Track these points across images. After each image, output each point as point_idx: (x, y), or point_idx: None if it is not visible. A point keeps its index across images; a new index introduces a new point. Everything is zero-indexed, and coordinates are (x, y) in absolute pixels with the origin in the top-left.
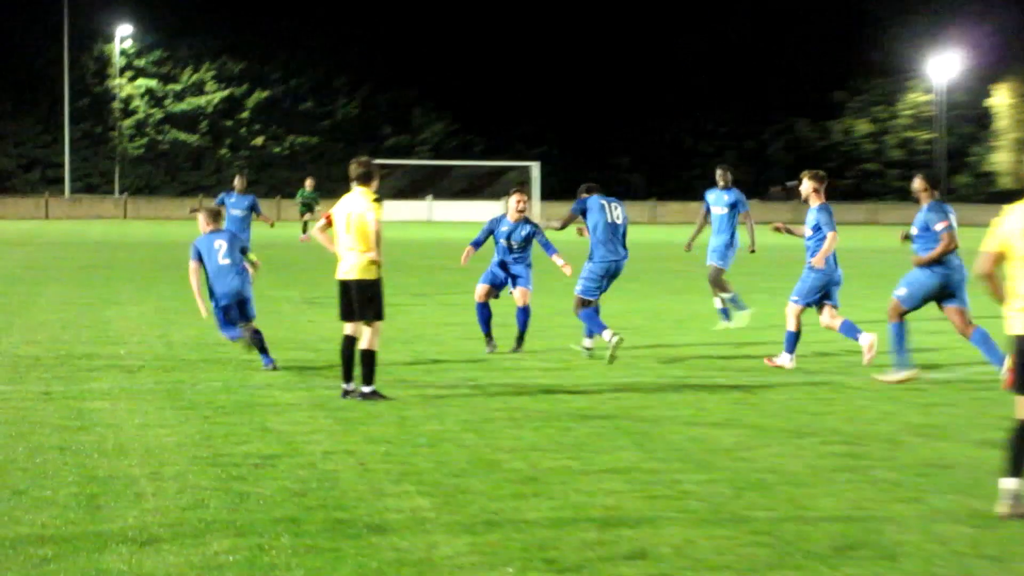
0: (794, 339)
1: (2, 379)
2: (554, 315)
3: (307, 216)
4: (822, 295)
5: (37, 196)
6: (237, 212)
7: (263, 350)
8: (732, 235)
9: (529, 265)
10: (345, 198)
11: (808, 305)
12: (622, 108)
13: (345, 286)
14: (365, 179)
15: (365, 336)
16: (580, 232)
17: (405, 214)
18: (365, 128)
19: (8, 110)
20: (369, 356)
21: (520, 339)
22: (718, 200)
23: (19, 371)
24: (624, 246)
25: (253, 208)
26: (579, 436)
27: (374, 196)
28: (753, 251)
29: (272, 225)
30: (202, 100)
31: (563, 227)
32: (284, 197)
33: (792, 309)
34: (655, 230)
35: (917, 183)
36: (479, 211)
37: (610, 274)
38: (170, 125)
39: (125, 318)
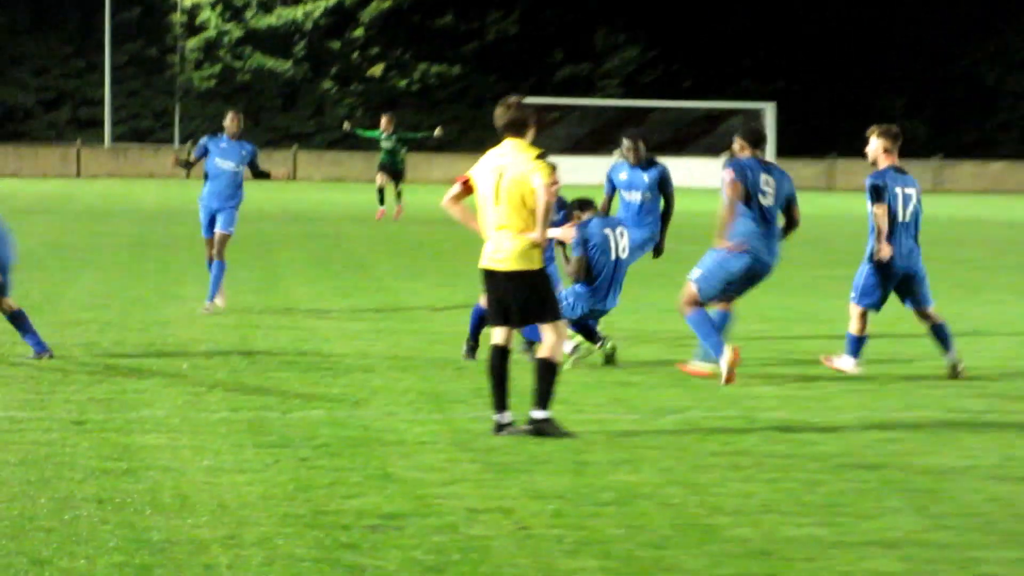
0: (856, 343)
1: (19, 401)
2: (797, 319)
3: (381, 179)
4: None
5: (66, 145)
6: (226, 165)
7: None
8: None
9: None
10: (491, 155)
11: (870, 306)
12: (894, 27)
13: (494, 278)
14: (518, 128)
15: (545, 341)
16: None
17: (582, 175)
18: (527, 54)
19: (26, 24)
20: (548, 369)
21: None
22: (633, 180)
23: (41, 391)
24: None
25: (250, 163)
26: (831, 493)
27: (537, 152)
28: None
29: (291, 178)
30: (298, 12)
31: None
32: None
33: (852, 310)
34: (940, 200)
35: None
36: (687, 171)
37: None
38: (252, 47)
39: (189, 318)
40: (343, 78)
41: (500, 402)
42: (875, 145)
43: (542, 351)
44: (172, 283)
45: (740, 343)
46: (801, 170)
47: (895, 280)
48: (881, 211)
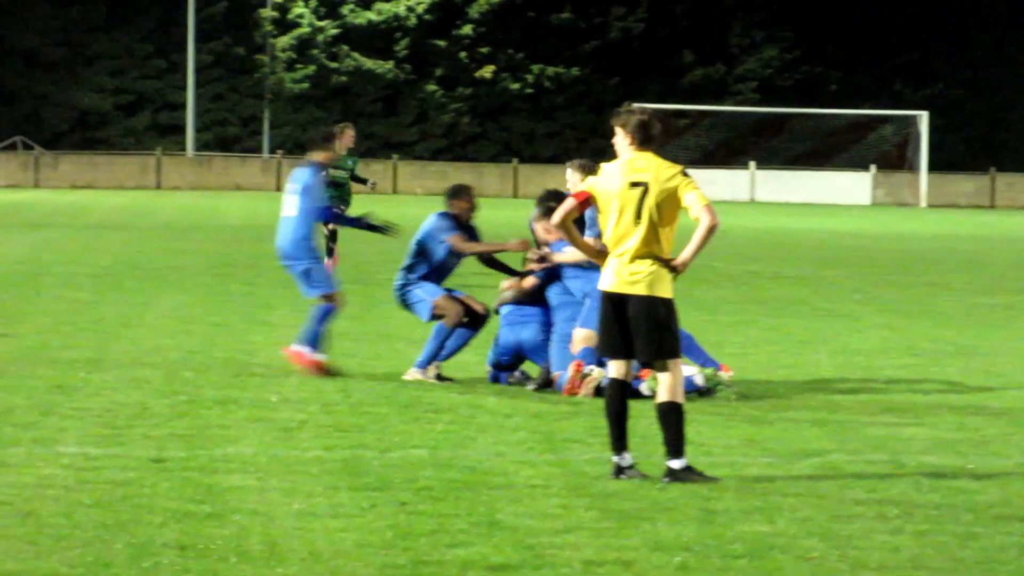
0: None
1: (94, 437)
2: (951, 353)
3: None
4: None
5: (145, 153)
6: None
7: None
8: None
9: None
10: (623, 168)
11: None
12: None
13: (618, 304)
14: (652, 139)
15: (663, 384)
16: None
17: (716, 190)
18: (653, 55)
19: (102, 20)
20: (673, 413)
21: None
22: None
23: (119, 426)
24: None
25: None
26: (988, 548)
27: (680, 167)
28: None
29: (373, 186)
30: (400, 7)
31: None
32: (523, 161)
33: None
34: None
35: None
36: (829, 187)
37: None
38: (349, 46)
39: (279, 346)
40: (449, 81)
41: (619, 443)
42: None
43: (663, 394)
44: (259, 307)
45: (888, 378)
46: (958, 185)
47: None
48: None
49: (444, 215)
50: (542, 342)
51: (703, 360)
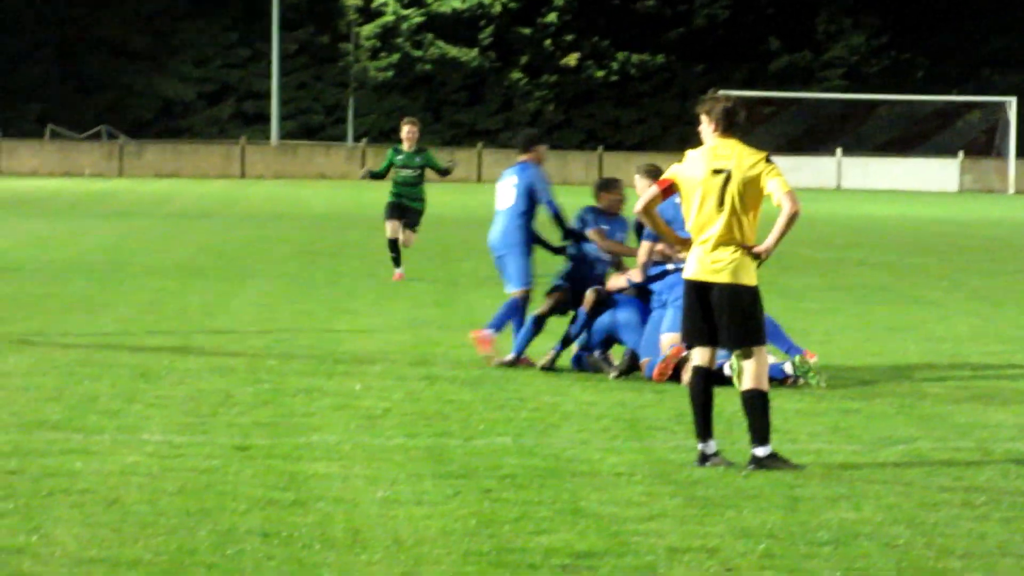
0: None
1: (178, 425)
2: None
3: (394, 227)
4: None
5: (229, 142)
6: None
7: None
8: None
9: None
10: (706, 156)
11: None
12: None
13: (701, 292)
14: (736, 126)
15: (747, 371)
16: None
17: (802, 177)
18: (739, 42)
19: (185, 9)
20: (758, 401)
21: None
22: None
23: (202, 414)
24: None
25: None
26: None
27: (764, 154)
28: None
29: (451, 166)
30: None
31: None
32: (609, 148)
33: None
34: None
35: None
36: (916, 174)
37: None
38: (434, 34)
39: (363, 335)
40: (534, 68)
41: (704, 430)
42: None
43: (747, 381)
44: (344, 295)
45: (975, 364)
46: None
47: None
48: None
49: (590, 209)
50: (636, 324)
51: (787, 347)
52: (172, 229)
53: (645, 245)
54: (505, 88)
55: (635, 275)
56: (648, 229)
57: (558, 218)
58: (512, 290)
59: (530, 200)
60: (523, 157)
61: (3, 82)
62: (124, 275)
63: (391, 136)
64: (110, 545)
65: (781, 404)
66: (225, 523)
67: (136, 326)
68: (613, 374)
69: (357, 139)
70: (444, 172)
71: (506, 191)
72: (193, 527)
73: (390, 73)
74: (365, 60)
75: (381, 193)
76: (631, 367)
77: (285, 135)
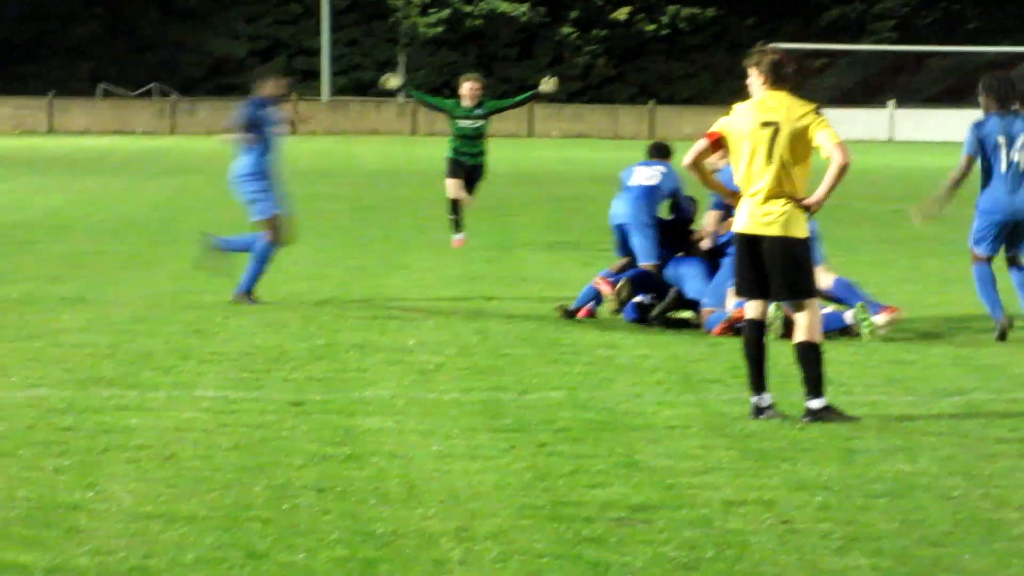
0: None
1: (233, 381)
2: None
3: (456, 187)
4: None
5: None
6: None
7: None
8: None
9: None
10: (754, 108)
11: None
12: None
13: (752, 244)
14: (785, 79)
15: (800, 323)
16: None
17: (854, 129)
18: None
19: None
20: (811, 353)
21: None
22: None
23: (257, 370)
24: None
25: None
26: None
27: (813, 105)
28: None
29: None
30: None
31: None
32: (660, 103)
33: None
34: None
35: None
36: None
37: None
38: None
39: (416, 289)
40: (584, 22)
41: (758, 383)
42: None
43: (800, 334)
44: (396, 251)
45: None
46: None
47: None
48: None
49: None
50: (700, 274)
51: (873, 307)
52: (225, 186)
53: (714, 213)
54: (556, 43)
55: (705, 243)
56: (717, 198)
57: (685, 214)
58: (644, 263)
59: (667, 195)
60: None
61: (55, 41)
62: (177, 232)
63: (442, 91)
64: (166, 500)
65: (836, 356)
66: (280, 478)
67: (189, 283)
68: (656, 311)
69: (408, 95)
70: (535, 97)
71: (649, 175)
72: (248, 482)
73: (440, 29)
74: (415, 16)
75: (435, 148)
76: (673, 306)
77: (336, 91)
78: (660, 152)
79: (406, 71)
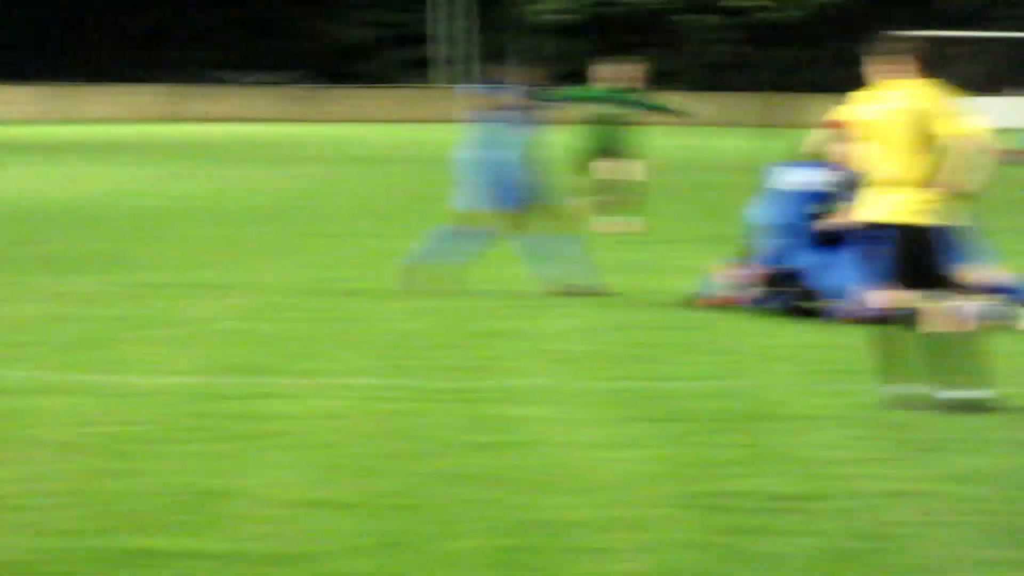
0: None
1: (377, 367)
2: None
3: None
4: None
5: (404, 86)
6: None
7: None
8: None
9: None
10: (881, 95)
11: None
12: None
13: (881, 233)
14: (903, 63)
15: (934, 314)
16: None
17: (986, 117)
18: None
19: None
20: (948, 343)
21: None
22: None
23: (397, 357)
24: None
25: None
26: None
27: (938, 94)
28: None
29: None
30: None
31: None
32: (778, 90)
33: None
34: None
35: None
36: None
37: None
38: None
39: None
40: (704, 6)
41: (901, 373)
42: None
43: (934, 324)
44: None
45: None
46: None
47: None
48: None
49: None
50: (842, 263)
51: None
52: (352, 174)
53: (845, 204)
54: (669, 29)
55: (839, 230)
56: (846, 188)
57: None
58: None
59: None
60: None
61: (176, 29)
62: (312, 220)
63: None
64: (320, 488)
65: (988, 346)
66: (427, 466)
67: (329, 271)
68: (794, 300)
69: (531, 84)
70: (661, 111)
71: (803, 176)
72: (386, 470)
73: (553, 17)
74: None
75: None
76: (807, 297)
77: (446, 78)
78: (810, 154)
79: (522, 60)
